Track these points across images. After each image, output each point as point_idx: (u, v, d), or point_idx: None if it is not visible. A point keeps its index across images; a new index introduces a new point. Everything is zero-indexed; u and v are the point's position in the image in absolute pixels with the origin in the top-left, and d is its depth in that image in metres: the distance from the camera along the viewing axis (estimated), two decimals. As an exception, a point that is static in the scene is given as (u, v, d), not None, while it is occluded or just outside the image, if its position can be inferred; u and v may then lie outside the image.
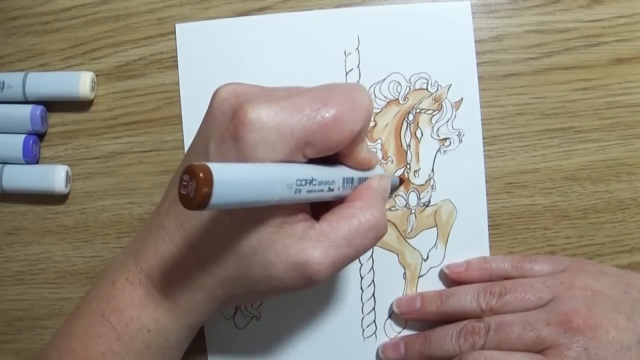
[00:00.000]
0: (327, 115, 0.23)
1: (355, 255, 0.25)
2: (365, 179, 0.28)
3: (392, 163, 0.35)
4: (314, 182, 0.24)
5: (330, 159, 0.26)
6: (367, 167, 0.28)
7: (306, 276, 0.24)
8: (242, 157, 0.23)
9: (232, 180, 0.20)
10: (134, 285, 0.27)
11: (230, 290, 0.26)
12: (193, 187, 0.19)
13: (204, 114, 0.26)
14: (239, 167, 0.21)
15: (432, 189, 0.35)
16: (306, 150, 0.24)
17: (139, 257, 0.27)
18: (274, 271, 0.24)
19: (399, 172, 0.35)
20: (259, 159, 0.23)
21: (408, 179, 0.35)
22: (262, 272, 0.25)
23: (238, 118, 0.23)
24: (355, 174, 0.27)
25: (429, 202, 0.35)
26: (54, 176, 0.35)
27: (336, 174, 0.26)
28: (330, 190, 0.25)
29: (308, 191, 0.24)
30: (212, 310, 0.27)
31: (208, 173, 0.19)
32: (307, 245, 0.24)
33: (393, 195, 0.35)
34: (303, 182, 0.23)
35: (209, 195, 0.19)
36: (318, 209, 0.27)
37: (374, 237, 0.26)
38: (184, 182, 0.19)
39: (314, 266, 0.24)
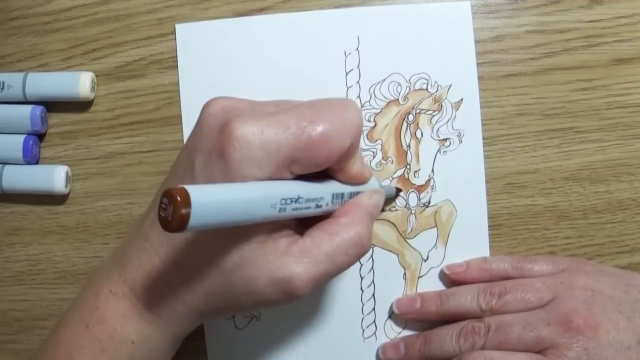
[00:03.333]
0: (313, 132, 0.23)
1: (337, 272, 0.25)
2: (357, 193, 0.27)
3: (392, 163, 0.35)
4: (300, 200, 0.24)
5: (321, 173, 0.25)
6: (359, 181, 0.27)
7: (287, 291, 0.24)
8: (227, 174, 0.23)
9: (211, 202, 0.20)
10: (118, 297, 0.27)
11: (212, 303, 0.26)
12: (171, 211, 0.19)
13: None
14: (219, 189, 0.21)
15: (432, 189, 0.35)
16: (293, 167, 0.24)
17: (122, 268, 0.27)
18: (256, 286, 0.24)
19: (399, 173, 0.35)
20: (244, 176, 0.23)
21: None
22: (245, 287, 0.25)
23: (225, 135, 0.23)
24: (346, 189, 0.27)
25: (429, 202, 0.35)
26: (54, 176, 0.35)
27: (325, 190, 0.25)
28: (318, 206, 0.25)
29: (293, 209, 0.23)
30: (194, 322, 0.27)
31: (186, 196, 0.19)
32: (289, 261, 0.24)
33: (393, 201, 0.35)
34: (288, 201, 0.23)
35: (186, 218, 0.19)
36: (306, 219, 0.26)
37: (355, 255, 0.26)
38: (162, 205, 0.19)
39: (295, 282, 0.24)
